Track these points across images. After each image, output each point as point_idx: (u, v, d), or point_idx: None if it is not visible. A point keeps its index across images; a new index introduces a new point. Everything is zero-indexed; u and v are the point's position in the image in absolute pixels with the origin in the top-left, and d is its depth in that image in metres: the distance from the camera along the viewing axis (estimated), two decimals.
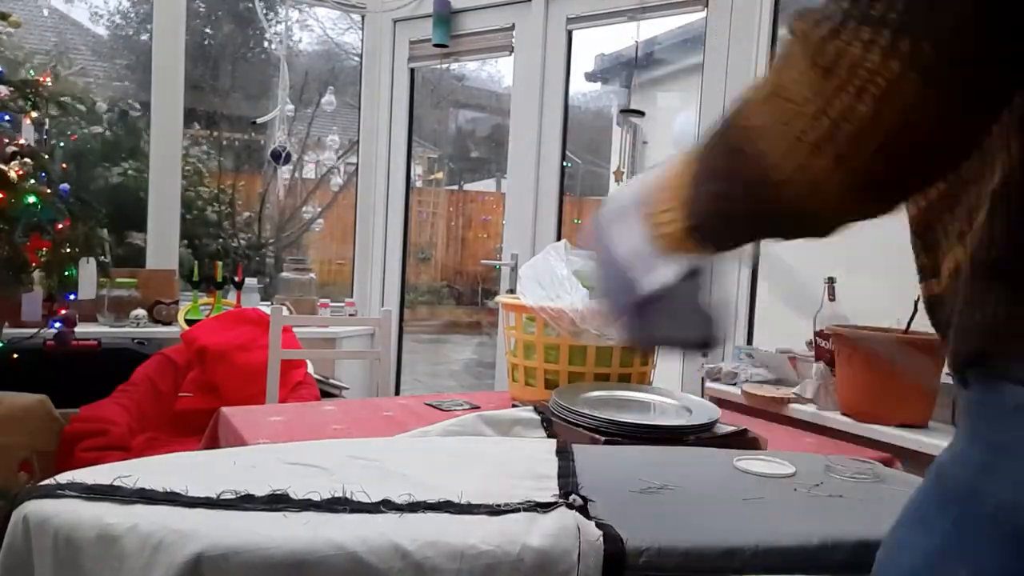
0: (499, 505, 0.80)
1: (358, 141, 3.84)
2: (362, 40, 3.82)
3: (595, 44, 4.66)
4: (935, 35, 0.43)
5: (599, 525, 0.77)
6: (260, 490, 0.80)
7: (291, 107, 3.55)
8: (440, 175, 7.83)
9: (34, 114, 2.52)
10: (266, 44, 5.12)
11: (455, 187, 7.91)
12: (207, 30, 5.17)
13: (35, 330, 2.51)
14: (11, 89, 2.45)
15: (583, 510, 0.80)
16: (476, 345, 7.15)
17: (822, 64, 0.46)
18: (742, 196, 0.54)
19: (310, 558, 0.68)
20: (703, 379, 2.41)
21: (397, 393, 3.57)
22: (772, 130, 0.49)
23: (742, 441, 1.34)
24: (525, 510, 0.79)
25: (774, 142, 0.49)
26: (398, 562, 0.69)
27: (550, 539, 0.73)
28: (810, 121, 0.47)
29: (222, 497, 0.79)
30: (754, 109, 0.52)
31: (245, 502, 0.78)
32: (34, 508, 0.75)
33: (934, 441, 1.70)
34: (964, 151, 0.49)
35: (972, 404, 0.50)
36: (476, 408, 1.68)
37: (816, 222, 0.52)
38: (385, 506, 0.79)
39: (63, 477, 0.82)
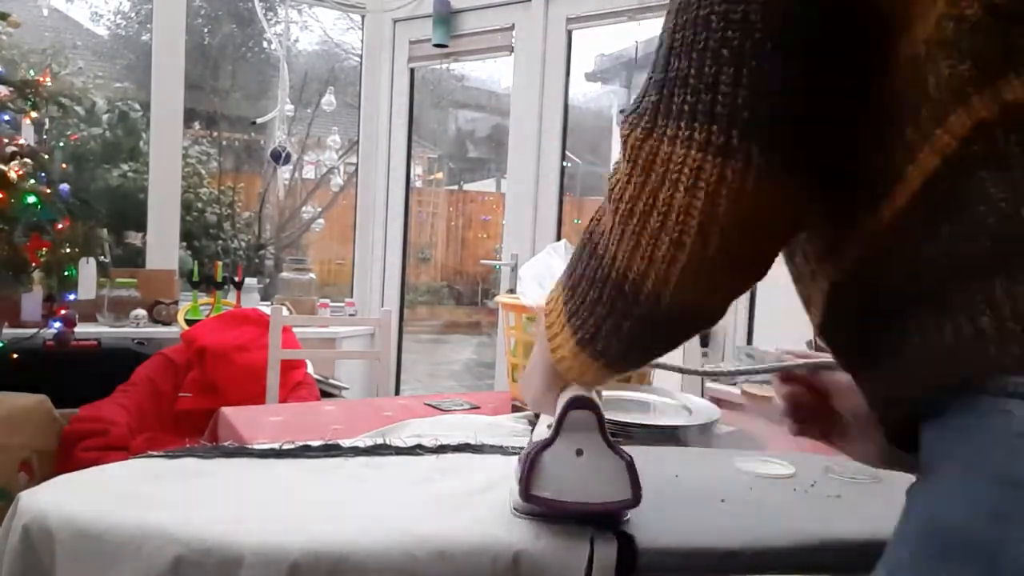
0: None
1: (358, 141, 3.84)
2: (362, 40, 3.82)
3: (595, 44, 4.65)
4: (730, 121, 0.46)
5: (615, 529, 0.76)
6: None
7: (291, 107, 3.54)
8: (440, 175, 7.82)
9: (34, 114, 2.52)
10: (266, 44, 5.12)
11: (455, 187, 7.91)
12: (207, 30, 5.17)
13: (35, 330, 2.51)
14: (11, 89, 2.45)
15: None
16: (476, 345, 7.15)
17: (641, 164, 0.50)
18: (612, 300, 0.55)
19: (303, 558, 0.68)
20: (703, 379, 2.41)
21: (397, 393, 3.57)
22: (616, 231, 0.53)
23: (742, 441, 1.34)
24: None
25: (621, 243, 0.52)
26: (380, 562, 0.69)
27: (564, 542, 0.73)
28: (642, 218, 0.50)
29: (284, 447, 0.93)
30: (602, 214, 0.56)
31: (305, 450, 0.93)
32: (35, 509, 0.75)
33: None
34: (791, 225, 0.51)
35: (958, 433, 0.43)
36: (476, 408, 1.67)
37: (681, 313, 0.53)
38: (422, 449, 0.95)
39: (65, 478, 0.82)
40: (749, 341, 2.58)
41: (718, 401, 2.04)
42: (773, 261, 0.53)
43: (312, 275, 3.61)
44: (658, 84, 0.50)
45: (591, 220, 0.58)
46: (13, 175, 2.27)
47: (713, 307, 0.54)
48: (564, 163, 3.21)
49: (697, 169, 0.47)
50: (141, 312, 2.99)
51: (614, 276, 0.54)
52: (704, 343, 2.63)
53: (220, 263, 3.28)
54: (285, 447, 0.93)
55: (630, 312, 0.54)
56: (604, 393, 1.51)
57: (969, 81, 0.43)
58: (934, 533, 0.42)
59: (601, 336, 0.58)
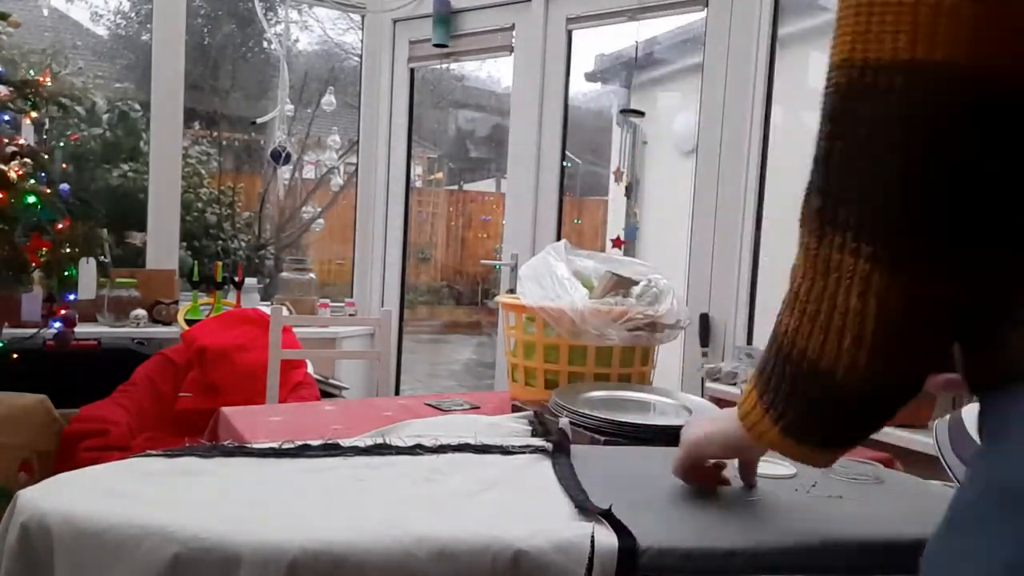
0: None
1: (358, 141, 3.84)
2: (362, 40, 3.82)
3: (595, 44, 4.65)
4: (884, 232, 0.51)
5: (615, 526, 0.76)
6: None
7: (291, 107, 3.54)
8: (440, 175, 7.83)
9: (34, 114, 2.52)
10: (266, 44, 5.12)
11: (455, 187, 7.91)
12: (207, 30, 5.17)
13: (35, 330, 2.51)
14: (11, 89, 2.45)
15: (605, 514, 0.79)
16: (476, 345, 7.15)
17: (819, 269, 0.55)
18: (807, 391, 0.60)
19: (301, 556, 0.68)
20: (703, 379, 2.41)
21: (397, 393, 3.57)
22: (804, 328, 0.58)
23: None
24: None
25: (811, 339, 0.57)
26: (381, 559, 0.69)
27: (564, 542, 0.73)
28: (825, 319, 0.56)
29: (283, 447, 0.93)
30: (787, 317, 0.60)
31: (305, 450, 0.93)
32: (34, 507, 0.75)
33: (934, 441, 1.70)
34: (962, 314, 0.53)
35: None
36: (476, 408, 1.67)
37: (876, 391, 0.57)
38: (421, 449, 0.96)
39: (67, 475, 0.82)
40: (749, 341, 2.58)
41: (718, 401, 2.04)
42: (953, 336, 0.56)
43: (312, 275, 3.61)
44: (821, 193, 0.54)
45: (776, 325, 0.62)
46: (13, 175, 2.27)
47: (906, 383, 0.57)
48: (564, 163, 3.21)
49: (867, 278, 0.52)
50: (141, 312, 2.99)
51: (806, 367, 0.58)
52: (704, 343, 2.63)
53: (220, 263, 3.28)
54: (285, 447, 0.93)
55: (828, 399, 0.59)
56: (604, 394, 1.51)
57: None
58: (1003, 491, 0.47)
59: (804, 424, 0.64)
